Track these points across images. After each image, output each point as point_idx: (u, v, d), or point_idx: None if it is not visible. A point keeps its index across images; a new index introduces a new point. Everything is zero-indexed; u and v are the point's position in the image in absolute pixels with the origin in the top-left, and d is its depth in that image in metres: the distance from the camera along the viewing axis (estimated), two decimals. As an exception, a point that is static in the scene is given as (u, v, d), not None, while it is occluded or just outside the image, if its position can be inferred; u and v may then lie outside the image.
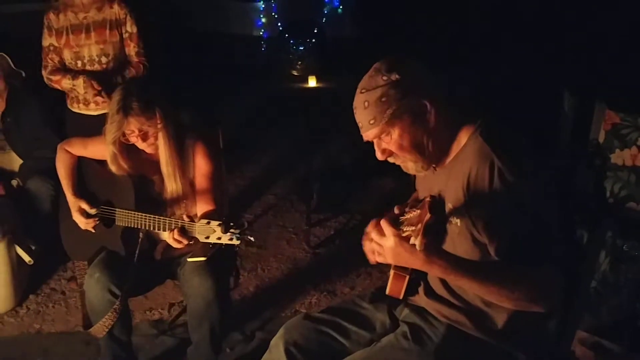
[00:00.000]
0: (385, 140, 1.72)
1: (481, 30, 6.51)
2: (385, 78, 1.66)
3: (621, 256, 2.88)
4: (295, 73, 8.08)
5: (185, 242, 2.31)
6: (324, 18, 8.61)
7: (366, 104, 1.68)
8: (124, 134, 2.41)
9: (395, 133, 1.69)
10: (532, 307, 1.63)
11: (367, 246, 1.82)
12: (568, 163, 3.33)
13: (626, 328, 2.76)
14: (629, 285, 2.85)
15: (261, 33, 8.36)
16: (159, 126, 2.40)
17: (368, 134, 1.72)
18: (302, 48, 8.09)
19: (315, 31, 8.20)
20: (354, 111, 1.74)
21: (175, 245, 2.34)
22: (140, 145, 2.45)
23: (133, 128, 2.38)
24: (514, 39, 6.11)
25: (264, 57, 8.21)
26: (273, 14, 8.31)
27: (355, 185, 4.61)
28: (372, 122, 1.68)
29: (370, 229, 1.71)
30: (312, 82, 7.84)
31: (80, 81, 3.16)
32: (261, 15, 8.31)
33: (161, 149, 2.45)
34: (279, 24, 8.28)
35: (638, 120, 3.09)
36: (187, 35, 7.75)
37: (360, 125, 1.73)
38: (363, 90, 1.70)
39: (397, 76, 1.66)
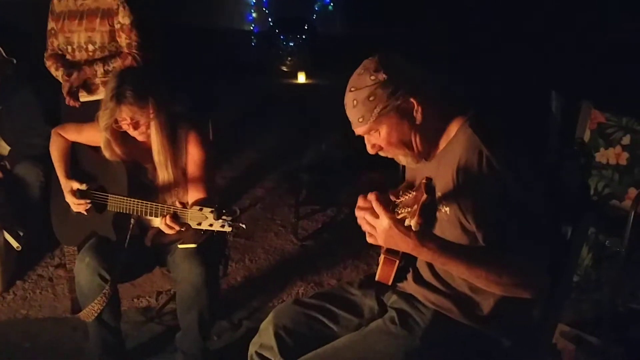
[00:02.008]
0: (374, 137, 1.78)
1: (470, 30, 6.57)
2: (373, 77, 1.71)
3: (603, 252, 2.94)
4: (284, 69, 8.10)
5: (177, 228, 2.34)
6: (315, 15, 8.64)
7: (355, 102, 1.73)
8: (116, 121, 2.43)
9: (384, 130, 1.75)
10: (519, 293, 1.67)
11: (361, 220, 1.81)
12: (555, 161, 3.39)
13: (606, 322, 2.82)
14: (610, 280, 2.91)
15: (251, 28, 8.38)
16: (152, 116, 2.42)
17: (358, 131, 1.79)
18: (292, 44, 8.11)
19: (306, 27, 8.22)
20: (345, 107, 1.79)
21: (167, 231, 2.37)
22: (132, 133, 2.47)
23: (125, 116, 2.40)
24: (502, 40, 6.17)
25: (254, 51, 8.22)
26: (264, 9, 8.33)
27: (343, 179, 4.64)
28: (360, 120, 1.74)
29: (360, 203, 1.71)
30: (301, 78, 7.90)
31: (60, 73, 3.22)
32: (252, 10, 8.33)
33: (153, 138, 2.47)
34: (270, 19, 8.29)
35: (622, 120, 3.16)
36: (177, 29, 7.73)
37: (351, 121, 1.79)
38: (352, 89, 1.75)
39: (384, 76, 1.70)
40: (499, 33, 6.22)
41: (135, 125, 2.43)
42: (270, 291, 3.44)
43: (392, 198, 1.78)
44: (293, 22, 8.26)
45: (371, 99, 1.71)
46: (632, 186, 3.07)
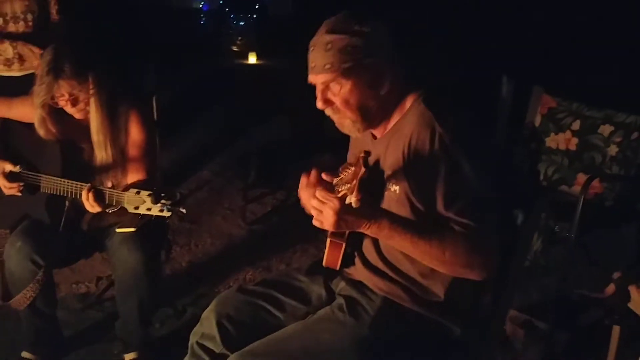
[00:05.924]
0: (333, 90, 1.65)
1: (425, 12, 6.56)
2: (357, 27, 1.59)
3: (553, 237, 2.94)
4: (235, 49, 7.95)
5: (99, 208, 2.20)
6: (266, -5, 8.50)
7: (329, 46, 1.59)
8: (53, 97, 2.28)
9: (347, 87, 1.62)
10: (467, 274, 1.62)
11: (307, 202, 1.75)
12: (505, 145, 3.38)
13: (554, 307, 2.83)
14: (559, 265, 2.92)
15: (201, 5, 8.18)
16: (91, 92, 2.28)
17: (318, 77, 1.64)
18: (242, 23, 7.96)
19: (257, 7, 8.08)
20: (311, 49, 1.64)
21: (90, 210, 2.23)
22: (70, 110, 2.33)
23: (63, 92, 2.26)
24: (452, 24, 6.18)
25: (203, 30, 8.05)
26: (214, -14, 8.16)
27: (293, 161, 4.57)
28: (328, 66, 1.60)
29: (304, 182, 1.71)
30: (252, 59, 7.75)
31: (6, 45, 2.99)
32: (202, -13, 8.14)
33: (92, 116, 2.33)
34: (220, -2, 8.13)
35: (573, 105, 3.16)
36: (123, 5, 7.49)
37: (312, 65, 1.64)
38: (330, 31, 1.61)
39: (369, 29, 1.60)
40: (450, 17, 6.23)
41: (74, 102, 2.29)
42: (216, 277, 3.34)
43: (326, 178, 1.70)
44: (243, 1, 8.10)
45: (348, 49, 1.58)
46: (581, 171, 3.08)
